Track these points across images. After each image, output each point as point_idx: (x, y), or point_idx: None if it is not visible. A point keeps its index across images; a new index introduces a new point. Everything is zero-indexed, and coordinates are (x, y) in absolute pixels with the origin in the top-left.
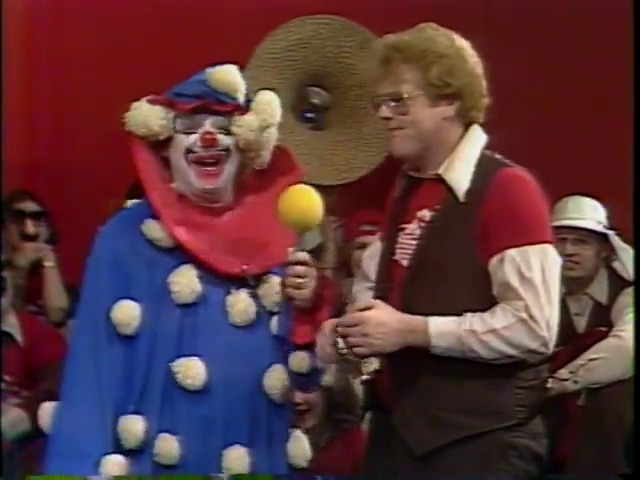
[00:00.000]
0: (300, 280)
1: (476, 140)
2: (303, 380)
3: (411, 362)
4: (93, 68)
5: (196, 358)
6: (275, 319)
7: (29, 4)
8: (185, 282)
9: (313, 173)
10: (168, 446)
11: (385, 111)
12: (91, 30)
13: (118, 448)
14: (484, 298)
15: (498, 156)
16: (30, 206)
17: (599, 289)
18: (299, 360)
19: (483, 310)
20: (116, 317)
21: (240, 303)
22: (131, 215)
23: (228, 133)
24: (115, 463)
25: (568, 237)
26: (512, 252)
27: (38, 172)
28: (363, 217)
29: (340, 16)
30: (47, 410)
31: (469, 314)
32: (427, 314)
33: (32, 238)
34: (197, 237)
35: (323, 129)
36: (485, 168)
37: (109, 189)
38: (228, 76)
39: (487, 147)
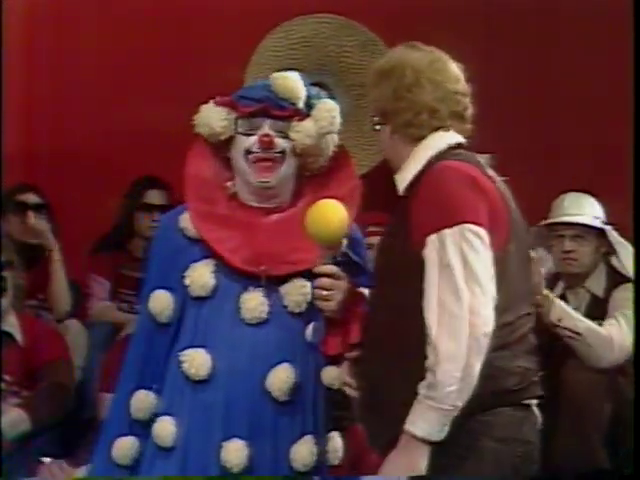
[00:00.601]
0: (325, 292)
1: (431, 144)
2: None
3: (365, 362)
4: (93, 68)
5: (202, 350)
6: (311, 327)
7: (29, 4)
8: (197, 276)
9: None
10: (164, 428)
11: None
12: (91, 30)
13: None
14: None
15: (469, 155)
16: (32, 198)
17: (597, 283)
18: (331, 376)
19: None
20: (151, 306)
21: (252, 301)
22: (178, 208)
23: (286, 137)
24: (123, 446)
25: (566, 233)
26: (432, 237)
27: (37, 172)
28: (369, 219)
29: (341, 15)
30: None
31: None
32: (387, 320)
33: (34, 230)
34: (226, 233)
35: None
36: (429, 165)
37: (109, 188)
38: (290, 82)
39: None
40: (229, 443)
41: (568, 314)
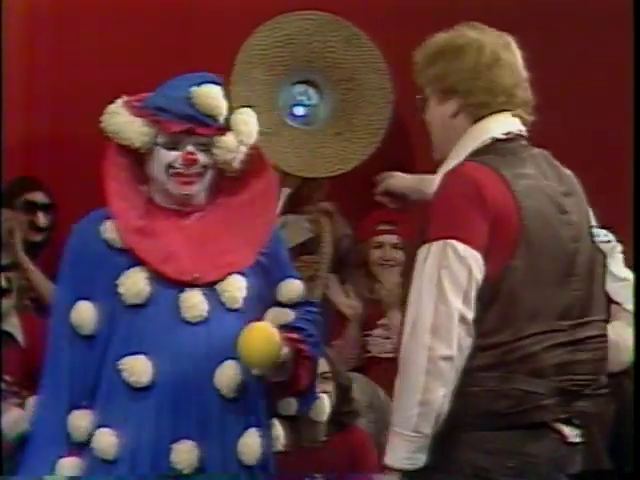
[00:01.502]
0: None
1: (478, 132)
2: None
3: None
4: (93, 68)
5: (142, 356)
6: None
7: (29, 4)
8: (131, 283)
9: (305, 166)
10: (105, 441)
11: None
12: (91, 30)
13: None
14: None
15: (511, 148)
16: (40, 198)
17: None
18: (285, 405)
19: None
20: (73, 318)
21: (191, 299)
22: (95, 216)
23: (207, 150)
24: (68, 466)
25: None
26: (423, 247)
27: (38, 168)
28: (379, 217)
29: (329, 12)
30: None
31: None
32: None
33: (42, 230)
34: (152, 243)
35: (313, 125)
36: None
37: None
38: (214, 99)
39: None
40: (179, 445)
41: None
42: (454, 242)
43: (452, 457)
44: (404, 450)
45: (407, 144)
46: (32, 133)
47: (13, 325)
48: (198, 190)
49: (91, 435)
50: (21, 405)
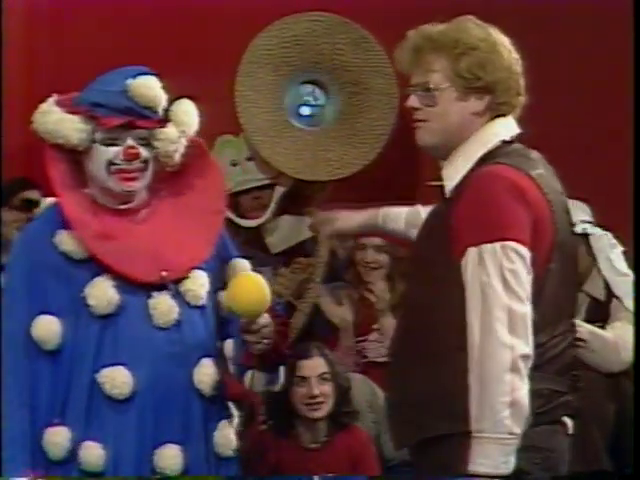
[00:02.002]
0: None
1: (488, 135)
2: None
3: (395, 362)
4: (93, 68)
5: (121, 367)
6: (229, 344)
7: (29, 4)
8: (100, 294)
9: (306, 169)
10: (92, 454)
11: (414, 101)
12: (91, 30)
13: (45, 461)
14: (461, 301)
15: (521, 150)
16: (36, 196)
17: (595, 286)
18: (249, 379)
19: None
20: (36, 333)
21: (162, 305)
22: (43, 225)
23: (148, 144)
24: None
25: None
26: (472, 250)
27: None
28: None
29: (337, 13)
30: None
31: None
32: (419, 320)
33: None
34: (114, 247)
35: (317, 126)
36: (481, 164)
37: None
38: (151, 90)
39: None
40: (163, 450)
41: None
42: (513, 244)
43: None
44: (501, 454)
45: (408, 148)
46: (32, 133)
47: None
48: (141, 186)
49: (72, 451)
50: None
